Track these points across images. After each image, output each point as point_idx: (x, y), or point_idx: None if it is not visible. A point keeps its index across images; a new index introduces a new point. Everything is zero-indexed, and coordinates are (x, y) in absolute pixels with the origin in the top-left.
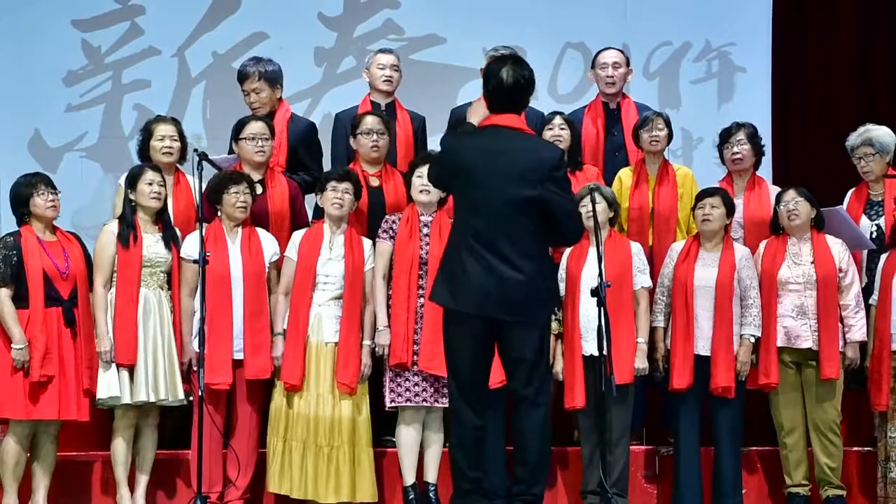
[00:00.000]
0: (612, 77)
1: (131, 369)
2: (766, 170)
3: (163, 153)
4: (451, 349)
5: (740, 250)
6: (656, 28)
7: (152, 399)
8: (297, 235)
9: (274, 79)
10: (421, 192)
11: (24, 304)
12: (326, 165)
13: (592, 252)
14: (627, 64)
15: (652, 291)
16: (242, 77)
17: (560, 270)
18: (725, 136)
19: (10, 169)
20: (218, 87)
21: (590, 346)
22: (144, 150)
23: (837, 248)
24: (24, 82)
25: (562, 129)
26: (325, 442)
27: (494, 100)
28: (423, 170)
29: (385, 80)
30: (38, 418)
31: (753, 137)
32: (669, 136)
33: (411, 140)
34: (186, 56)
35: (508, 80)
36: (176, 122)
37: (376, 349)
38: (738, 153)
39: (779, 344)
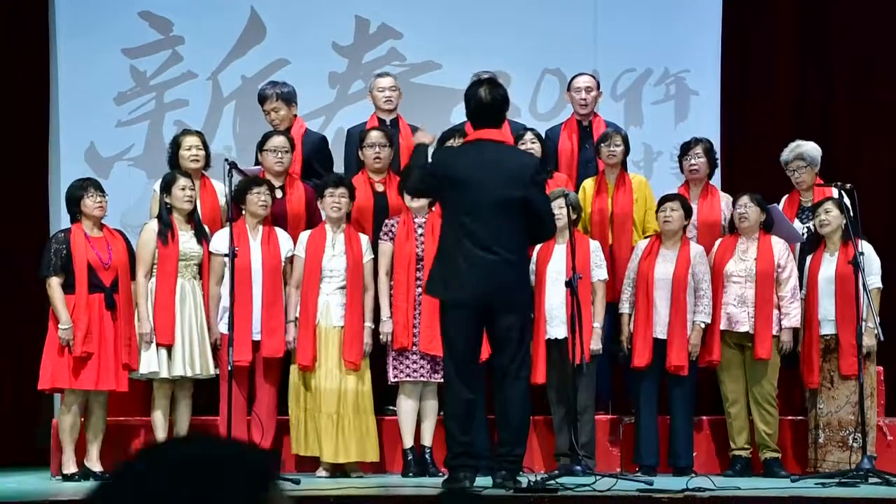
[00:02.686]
0: (584, 100)
1: (169, 348)
2: (716, 178)
3: (190, 161)
4: (447, 333)
5: (695, 248)
6: (622, 57)
7: (189, 374)
8: (304, 236)
9: (289, 98)
10: (413, 199)
11: (72, 291)
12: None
13: (558, 248)
14: (598, 88)
15: (608, 284)
16: (262, 98)
17: (531, 264)
18: (685, 149)
19: (69, 175)
20: (246, 106)
21: (553, 330)
22: (174, 159)
23: (779, 247)
24: (82, 102)
25: (533, 142)
26: (334, 410)
27: (476, 117)
28: None
29: (386, 101)
30: (80, 388)
31: (709, 152)
32: (626, 151)
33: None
34: (219, 79)
35: (486, 99)
36: (200, 134)
37: (381, 336)
38: (694, 165)
39: (722, 327)
